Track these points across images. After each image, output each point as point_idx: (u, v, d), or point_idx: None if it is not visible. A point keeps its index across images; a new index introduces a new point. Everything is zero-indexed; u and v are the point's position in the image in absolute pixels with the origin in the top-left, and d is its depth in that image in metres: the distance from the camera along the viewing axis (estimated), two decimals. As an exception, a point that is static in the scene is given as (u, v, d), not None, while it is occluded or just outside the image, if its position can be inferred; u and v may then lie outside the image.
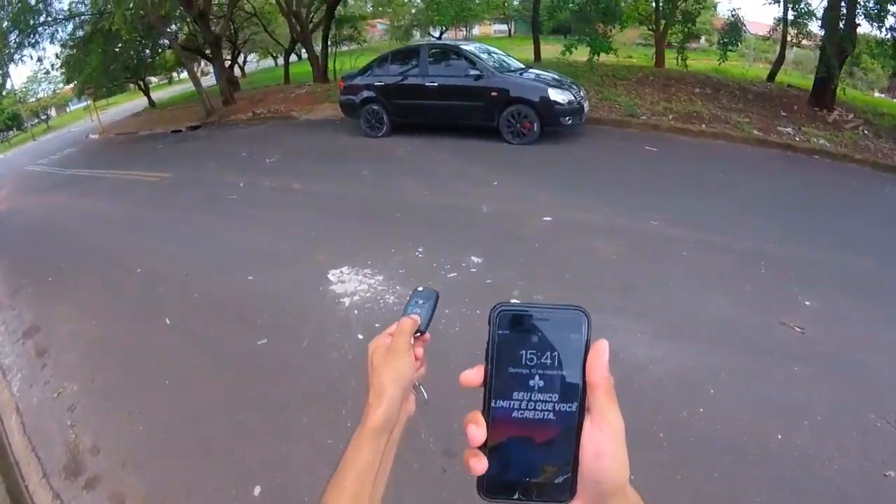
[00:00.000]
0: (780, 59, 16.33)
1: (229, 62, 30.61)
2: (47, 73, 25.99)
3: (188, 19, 19.69)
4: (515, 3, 40.19)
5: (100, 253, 7.33)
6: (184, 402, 4.00)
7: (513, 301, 0.57)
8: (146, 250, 7.06)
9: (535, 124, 9.42)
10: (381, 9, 34.50)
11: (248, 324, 4.78)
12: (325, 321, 4.59)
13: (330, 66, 21.60)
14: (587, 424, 0.53)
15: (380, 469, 0.78)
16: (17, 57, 18.94)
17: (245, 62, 39.87)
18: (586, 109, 9.75)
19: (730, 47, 14.40)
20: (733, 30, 14.01)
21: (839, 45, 11.00)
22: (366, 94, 11.05)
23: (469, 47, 10.36)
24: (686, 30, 14.76)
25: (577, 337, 0.54)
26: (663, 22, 19.02)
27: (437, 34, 44.06)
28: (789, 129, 10.27)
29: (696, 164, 8.63)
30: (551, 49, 20.84)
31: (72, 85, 30.76)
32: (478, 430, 0.54)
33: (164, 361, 4.50)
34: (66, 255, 7.42)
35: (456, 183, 7.85)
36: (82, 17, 20.84)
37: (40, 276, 6.82)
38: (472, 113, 9.97)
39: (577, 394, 0.53)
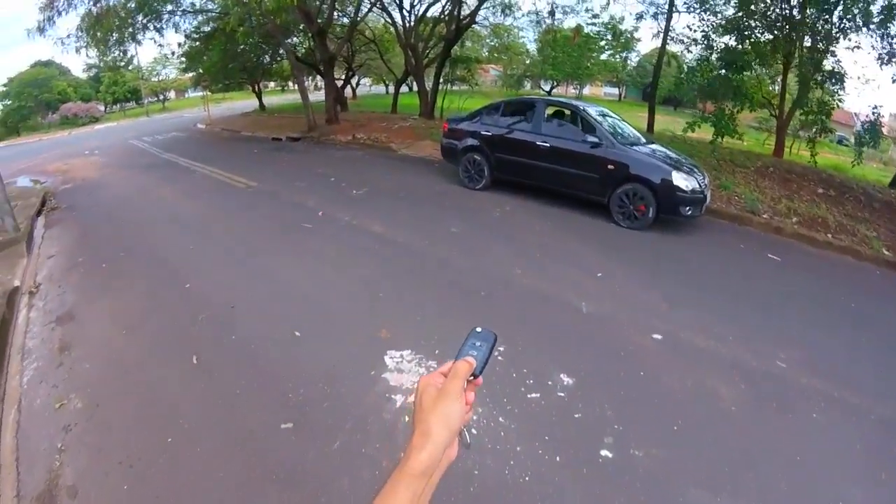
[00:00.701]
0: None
1: (341, 82, 30.87)
2: (166, 58, 26.65)
3: (309, 34, 19.54)
4: (629, 67, 38.81)
5: (158, 252, 6.93)
6: (178, 472, 3.18)
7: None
8: (202, 265, 6.43)
9: (651, 209, 8.20)
10: (496, 55, 34.22)
11: (278, 393, 3.85)
12: (367, 421, 3.57)
13: (438, 103, 21.08)
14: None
15: None
16: (139, 37, 19.21)
17: (358, 84, 40.32)
18: (708, 200, 8.50)
19: (865, 147, 12.86)
20: (872, 129, 12.45)
21: None
22: (469, 141, 10.19)
23: (590, 110, 9.28)
24: (821, 122, 13.22)
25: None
26: (789, 108, 17.60)
27: (547, 87, 43.67)
28: (920, 251, 8.81)
29: (824, 284, 7.21)
30: (661, 120, 19.69)
31: (189, 75, 31.73)
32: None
33: (174, 413, 3.69)
34: (128, 244, 7.31)
35: (554, 265, 6.71)
36: (208, 13, 21.14)
37: (97, 259, 6.75)
38: (582, 183, 8.81)
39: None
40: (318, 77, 29.64)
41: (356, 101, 35.82)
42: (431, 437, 0.78)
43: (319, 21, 18.12)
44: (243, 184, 10.92)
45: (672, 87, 38.80)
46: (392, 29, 22.53)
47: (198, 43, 24.51)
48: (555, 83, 41.37)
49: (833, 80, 12.98)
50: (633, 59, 35.81)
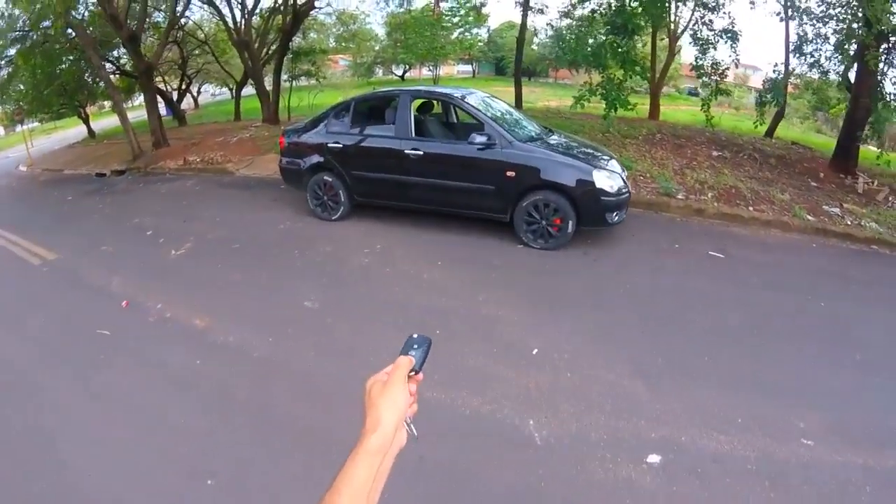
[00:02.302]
0: (781, 112, 13.59)
1: (176, 92, 26.68)
2: None
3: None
4: (480, 43, 36.65)
5: None
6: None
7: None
8: None
9: (570, 223, 5.91)
10: (344, 44, 31.08)
11: None
12: None
13: (283, 103, 17.81)
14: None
15: (371, 492, 0.80)
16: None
17: (199, 92, 35.71)
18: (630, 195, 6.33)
19: (766, 106, 11.32)
20: (776, 87, 10.85)
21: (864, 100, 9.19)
22: (316, 158, 7.26)
23: (471, 98, 6.74)
24: (715, 84, 11.45)
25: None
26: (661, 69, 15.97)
27: (400, 72, 40.86)
28: (836, 210, 7.88)
29: (779, 280, 5.60)
30: (503, 93, 17.79)
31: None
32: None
33: None
34: None
35: (467, 346, 4.28)
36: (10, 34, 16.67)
37: None
38: (473, 199, 6.35)
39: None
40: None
41: (198, 110, 31.52)
42: (382, 419, 0.84)
43: (130, 24, 14.34)
44: (40, 257, 7.53)
45: (534, 58, 37.58)
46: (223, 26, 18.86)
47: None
48: (408, 67, 38.74)
49: (727, 38, 11.31)
50: (483, 33, 33.75)
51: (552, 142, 6.46)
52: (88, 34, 15.06)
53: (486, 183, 6.10)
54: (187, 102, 32.39)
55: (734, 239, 6.66)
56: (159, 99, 24.33)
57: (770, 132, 13.67)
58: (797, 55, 10.68)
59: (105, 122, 34.57)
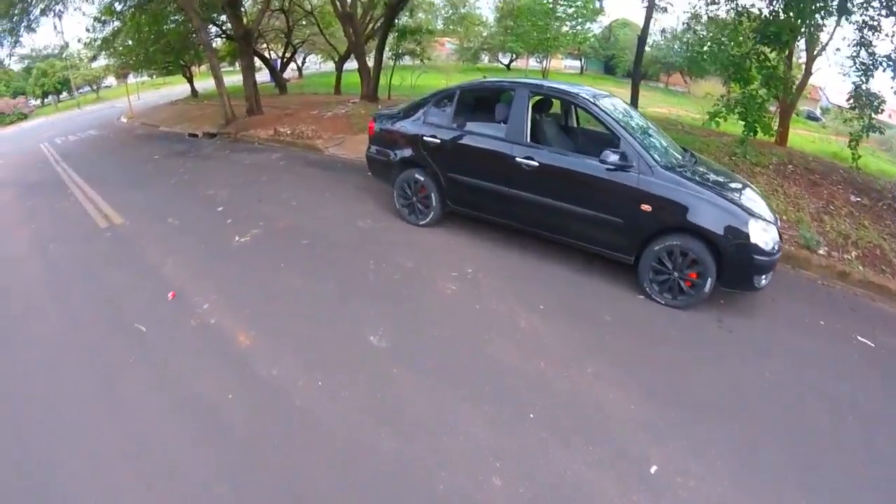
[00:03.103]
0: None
1: (279, 60, 26.43)
2: (94, 44, 21.81)
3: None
4: (592, 38, 34.59)
5: None
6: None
7: None
8: None
9: (709, 281, 4.47)
10: (451, 27, 30.00)
11: None
12: None
13: (383, 81, 16.87)
14: None
15: None
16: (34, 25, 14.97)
17: (304, 62, 35.61)
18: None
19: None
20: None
21: None
22: (408, 152, 6.10)
23: (604, 102, 5.29)
24: (869, 116, 9.27)
25: None
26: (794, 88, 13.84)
27: (506, 61, 39.41)
28: None
29: None
30: (626, 94, 16.19)
31: (106, 62, 27.03)
32: None
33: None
34: None
35: (567, 445, 3.12)
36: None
37: None
38: (593, 231, 4.96)
39: None
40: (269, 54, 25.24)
41: (300, 81, 31.31)
42: None
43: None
44: (108, 220, 7.10)
45: (646, 60, 35.17)
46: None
47: (108, 25, 19.98)
48: (514, 56, 37.22)
49: (889, 65, 9.07)
50: (596, 29, 31.74)
51: (699, 172, 4.96)
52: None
53: (613, 214, 4.73)
54: (291, 71, 32.32)
55: (883, 319, 4.98)
56: (260, 65, 24.21)
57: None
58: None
59: (211, 82, 35.04)
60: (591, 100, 5.09)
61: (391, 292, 4.79)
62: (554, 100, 5.91)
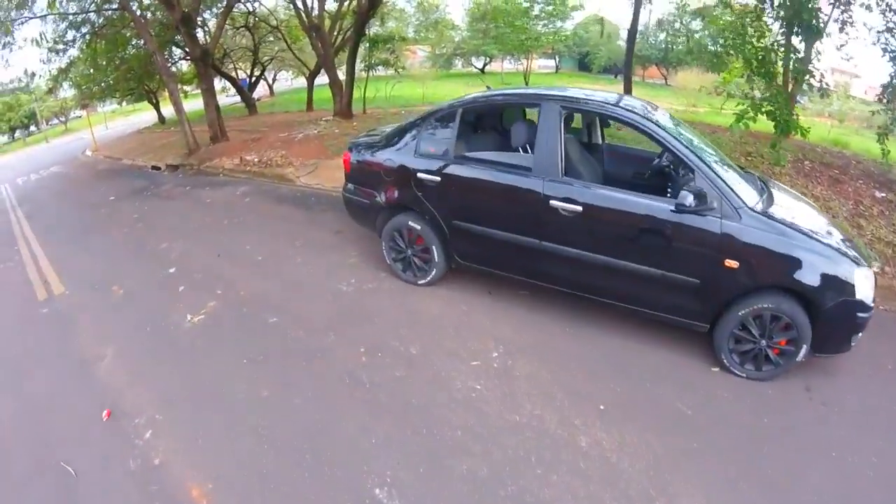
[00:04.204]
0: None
1: (247, 78, 24.84)
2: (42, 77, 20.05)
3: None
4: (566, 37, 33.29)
5: None
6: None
7: None
8: None
9: (804, 348, 3.26)
10: (423, 34, 28.59)
11: None
12: None
13: (357, 94, 15.31)
14: None
15: None
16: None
17: (275, 79, 33.95)
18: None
19: None
20: None
21: None
22: (397, 192, 4.57)
23: (661, 119, 3.85)
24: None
25: None
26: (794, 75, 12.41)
27: (480, 65, 37.93)
28: None
29: None
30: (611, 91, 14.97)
31: (61, 95, 25.26)
32: None
33: None
34: None
35: None
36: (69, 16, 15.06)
37: None
38: (656, 293, 3.60)
39: None
40: (231, 77, 23.53)
41: (272, 99, 29.69)
42: None
43: (183, 5, 12.17)
44: (47, 289, 5.70)
45: (663, 51, 33.84)
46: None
47: (62, 56, 18.31)
48: (488, 60, 35.80)
49: None
50: (569, 26, 30.44)
51: (783, 205, 3.60)
52: (139, 16, 13.11)
53: (685, 272, 3.40)
54: (263, 89, 30.67)
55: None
56: (227, 86, 22.64)
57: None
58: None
59: (185, 106, 33.28)
60: (648, 118, 3.64)
61: (395, 404, 3.33)
62: (604, 116, 4.38)
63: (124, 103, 34.57)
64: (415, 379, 3.56)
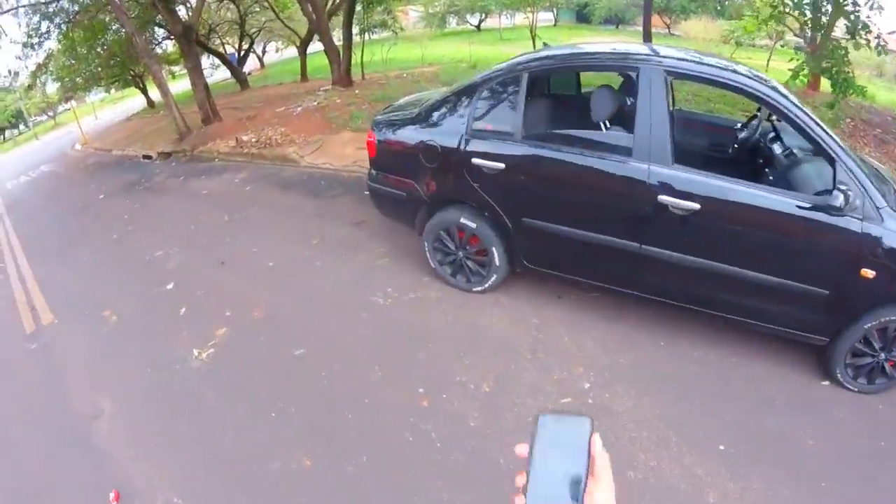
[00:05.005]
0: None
1: (236, 53, 23.50)
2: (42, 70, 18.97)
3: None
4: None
5: None
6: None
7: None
8: None
9: None
10: (413, -7, 27.04)
11: None
12: None
13: (356, 59, 14.10)
14: None
15: None
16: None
17: (264, 52, 32.40)
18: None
19: None
20: None
21: None
22: (443, 181, 3.56)
23: (783, 99, 2.74)
24: None
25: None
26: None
27: (475, 22, 36.14)
28: None
29: None
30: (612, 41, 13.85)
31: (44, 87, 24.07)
32: None
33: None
34: None
35: None
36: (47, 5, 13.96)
37: None
38: (773, 304, 2.88)
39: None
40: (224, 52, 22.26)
41: (264, 72, 28.30)
42: None
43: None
44: (36, 317, 4.80)
45: (621, 4, 32.20)
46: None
47: (37, 50, 17.26)
48: (483, 16, 34.05)
49: None
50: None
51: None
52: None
53: (814, 280, 2.74)
54: (252, 63, 29.20)
55: None
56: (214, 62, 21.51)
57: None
58: None
59: (174, 88, 31.89)
60: (782, 93, 2.81)
61: (477, 468, 2.48)
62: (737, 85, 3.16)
63: (112, 91, 33.20)
64: (495, 429, 2.69)
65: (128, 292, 4.89)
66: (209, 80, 14.27)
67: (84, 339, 4.25)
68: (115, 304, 4.65)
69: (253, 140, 9.57)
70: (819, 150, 2.64)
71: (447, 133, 3.46)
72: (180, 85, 24.27)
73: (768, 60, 17.77)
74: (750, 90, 2.77)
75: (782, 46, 21.63)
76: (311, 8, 13.12)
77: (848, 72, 6.77)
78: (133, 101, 34.08)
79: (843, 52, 6.89)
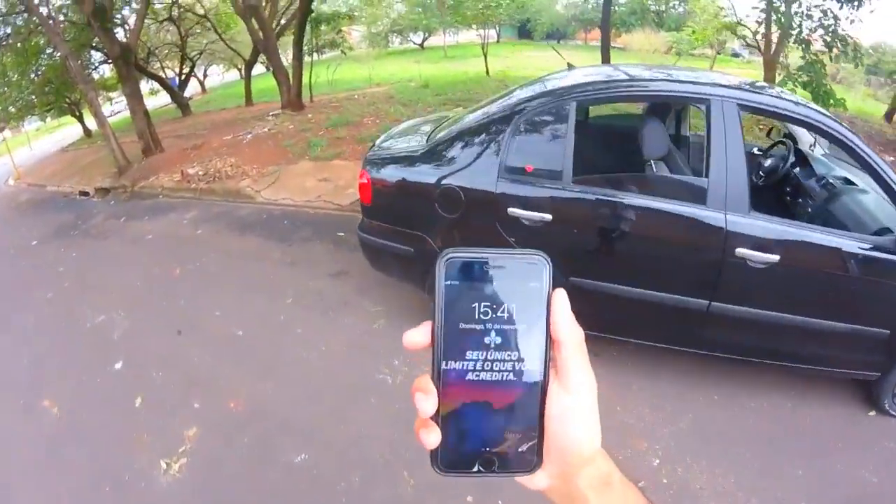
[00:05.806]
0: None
1: (176, 77, 22.20)
2: None
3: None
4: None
5: None
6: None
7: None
8: None
9: None
10: (356, 13, 26.32)
11: None
12: None
13: (305, 79, 13.21)
14: (553, 386, 0.41)
15: None
16: None
17: (206, 75, 30.96)
18: None
19: None
20: None
21: None
22: (477, 231, 2.82)
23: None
24: None
25: (538, 286, 0.40)
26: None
27: (418, 40, 35.63)
28: None
29: None
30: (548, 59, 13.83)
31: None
32: (427, 399, 0.39)
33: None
34: None
35: None
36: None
37: None
38: (834, 348, 2.73)
39: (540, 351, 0.40)
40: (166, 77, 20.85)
41: (205, 96, 26.96)
42: None
43: (94, -2, 9.86)
44: None
45: (561, 20, 32.47)
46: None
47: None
48: (426, 34, 33.62)
49: None
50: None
51: None
52: (46, 17, 10.81)
53: (877, 322, 2.61)
54: (194, 87, 27.77)
55: None
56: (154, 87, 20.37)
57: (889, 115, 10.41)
58: None
59: (114, 116, 30.08)
60: (845, 127, 2.58)
61: None
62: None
63: (48, 119, 31.12)
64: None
65: (70, 374, 3.92)
66: (148, 107, 13.19)
67: (23, 443, 3.28)
68: (56, 390, 3.71)
69: (200, 173, 8.61)
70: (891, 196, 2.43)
71: (473, 175, 2.73)
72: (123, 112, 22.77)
73: (711, 67, 18.12)
74: (817, 123, 2.52)
75: (719, 54, 22.12)
76: (259, 26, 12.21)
77: (826, 84, 6.75)
78: (70, 129, 31.96)
79: (821, 65, 6.93)
